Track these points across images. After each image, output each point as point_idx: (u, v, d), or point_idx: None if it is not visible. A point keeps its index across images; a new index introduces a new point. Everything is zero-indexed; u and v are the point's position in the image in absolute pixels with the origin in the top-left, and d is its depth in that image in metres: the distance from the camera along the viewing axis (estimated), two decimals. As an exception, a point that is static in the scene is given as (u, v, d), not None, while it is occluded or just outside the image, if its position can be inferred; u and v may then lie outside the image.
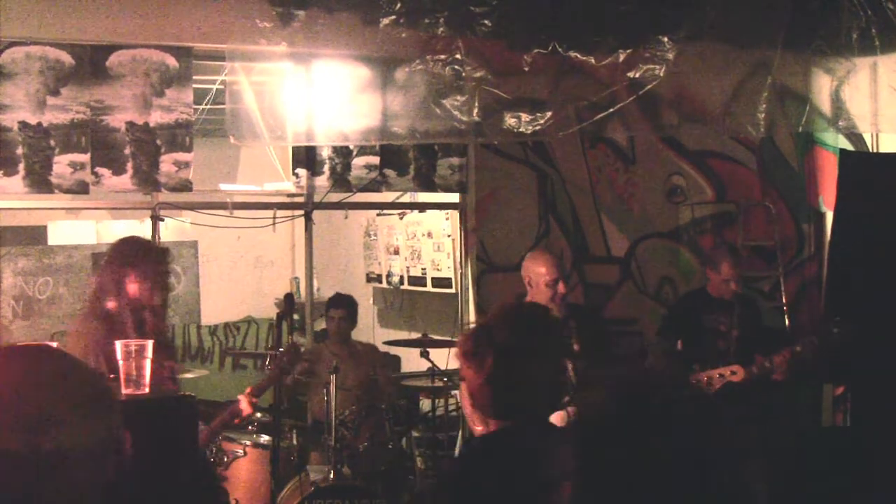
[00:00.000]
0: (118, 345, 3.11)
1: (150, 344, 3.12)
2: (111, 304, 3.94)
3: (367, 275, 8.83)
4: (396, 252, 8.06)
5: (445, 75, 5.36)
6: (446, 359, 5.91)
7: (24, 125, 4.99)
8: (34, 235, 6.87)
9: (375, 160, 5.85)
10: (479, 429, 4.30)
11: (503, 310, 2.44)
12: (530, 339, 2.26)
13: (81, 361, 1.53)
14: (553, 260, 4.74)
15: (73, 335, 4.14)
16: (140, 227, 6.54)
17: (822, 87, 6.01)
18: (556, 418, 4.36)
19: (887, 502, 4.45)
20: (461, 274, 6.36)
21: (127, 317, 3.90)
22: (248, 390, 4.36)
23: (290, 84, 5.38)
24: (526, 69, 5.46)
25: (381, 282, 8.54)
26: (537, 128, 5.50)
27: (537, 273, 4.61)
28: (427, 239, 7.50)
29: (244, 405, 4.30)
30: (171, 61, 5.22)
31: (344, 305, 6.09)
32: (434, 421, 6.11)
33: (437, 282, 7.42)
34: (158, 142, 5.21)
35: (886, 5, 5.43)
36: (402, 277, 8.05)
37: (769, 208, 6.57)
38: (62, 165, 5.05)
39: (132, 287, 3.93)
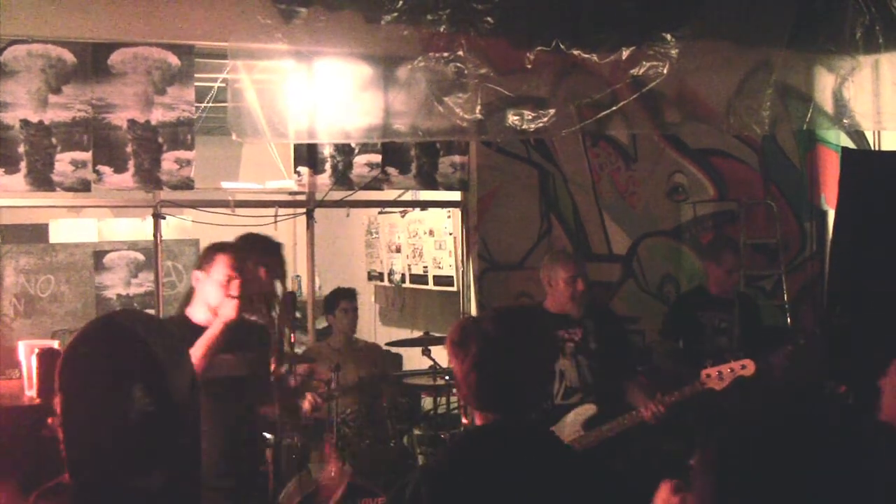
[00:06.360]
0: None
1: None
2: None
3: (369, 273, 8.81)
4: (398, 250, 8.04)
5: (447, 73, 5.36)
6: (448, 357, 5.89)
7: (25, 123, 4.98)
8: (36, 233, 6.87)
9: (377, 158, 5.84)
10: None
11: (496, 307, 2.54)
12: (516, 332, 2.27)
13: None
14: (570, 258, 4.68)
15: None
16: (141, 226, 6.53)
17: (825, 85, 6.00)
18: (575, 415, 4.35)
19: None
20: (463, 272, 6.35)
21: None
22: None
23: (293, 82, 5.37)
24: (528, 67, 5.45)
25: (382, 280, 8.52)
26: (539, 126, 5.49)
27: (555, 272, 4.52)
28: (429, 237, 7.48)
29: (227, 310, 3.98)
30: (173, 59, 5.21)
31: (354, 297, 6.04)
32: (436, 419, 6.10)
33: (439, 280, 7.41)
34: (160, 140, 5.21)
35: (891, 3, 5.41)
36: (403, 275, 8.03)
37: (771, 206, 6.56)
38: (64, 163, 5.05)
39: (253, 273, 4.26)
